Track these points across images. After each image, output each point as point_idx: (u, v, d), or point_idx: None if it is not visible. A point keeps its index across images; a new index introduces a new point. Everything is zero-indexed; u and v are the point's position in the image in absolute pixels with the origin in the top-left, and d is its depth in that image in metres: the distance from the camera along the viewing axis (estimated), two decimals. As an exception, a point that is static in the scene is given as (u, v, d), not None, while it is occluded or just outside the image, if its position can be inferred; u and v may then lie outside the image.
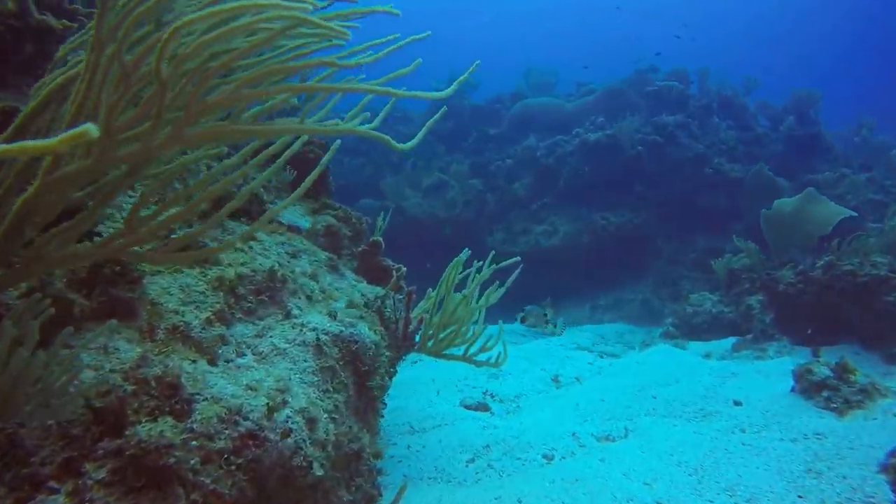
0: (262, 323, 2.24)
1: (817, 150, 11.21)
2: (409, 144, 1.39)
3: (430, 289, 3.42)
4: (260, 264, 2.39)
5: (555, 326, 4.53)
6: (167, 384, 1.65)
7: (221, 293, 2.20)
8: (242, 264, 2.37)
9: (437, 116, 1.65)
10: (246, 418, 1.71)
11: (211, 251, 1.57)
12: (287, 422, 1.80)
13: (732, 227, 9.65)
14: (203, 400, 1.70)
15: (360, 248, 3.88)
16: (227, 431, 1.65)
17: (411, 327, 3.06)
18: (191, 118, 1.16)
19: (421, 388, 4.54)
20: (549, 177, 12.00)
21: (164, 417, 1.57)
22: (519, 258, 3.08)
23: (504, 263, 3.12)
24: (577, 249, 10.55)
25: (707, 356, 5.40)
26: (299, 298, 2.48)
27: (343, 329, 2.28)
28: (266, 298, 2.32)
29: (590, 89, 13.65)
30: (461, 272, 3.14)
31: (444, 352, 2.93)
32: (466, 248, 3.24)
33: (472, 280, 3.11)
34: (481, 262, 3.18)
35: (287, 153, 1.72)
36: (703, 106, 11.63)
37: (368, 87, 1.24)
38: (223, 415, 1.68)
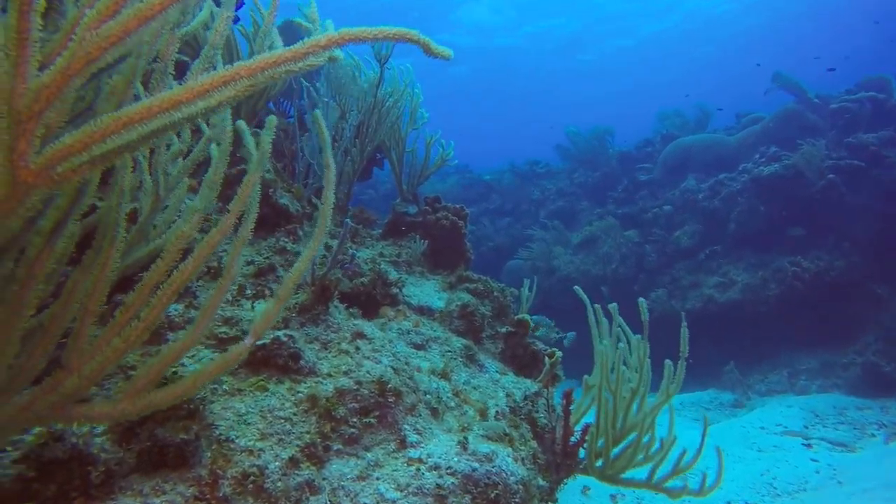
0: (367, 456, 1.66)
1: None
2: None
3: (587, 374, 2.65)
4: (367, 372, 1.84)
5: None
6: (208, 589, 1.10)
7: (314, 417, 1.66)
8: (345, 373, 1.84)
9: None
10: None
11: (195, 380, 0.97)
12: None
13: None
14: None
15: (503, 329, 3.24)
16: None
17: (573, 438, 2.30)
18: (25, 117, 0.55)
19: (591, 499, 3.66)
20: (715, 221, 10.55)
21: None
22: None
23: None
24: (762, 303, 8.92)
25: None
26: (419, 416, 1.87)
27: (477, 466, 1.62)
28: (374, 420, 1.74)
29: (754, 118, 12.05)
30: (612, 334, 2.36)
31: (621, 476, 2.13)
32: (613, 304, 2.44)
33: (634, 361, 2.28)
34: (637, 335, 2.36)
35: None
36: (915, 117, 9.54)
37: None
38: None
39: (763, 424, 5.61)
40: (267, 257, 2.49)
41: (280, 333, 1.83)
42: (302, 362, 1.82)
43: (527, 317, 3.08)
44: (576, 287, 2.53)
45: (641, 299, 2.15)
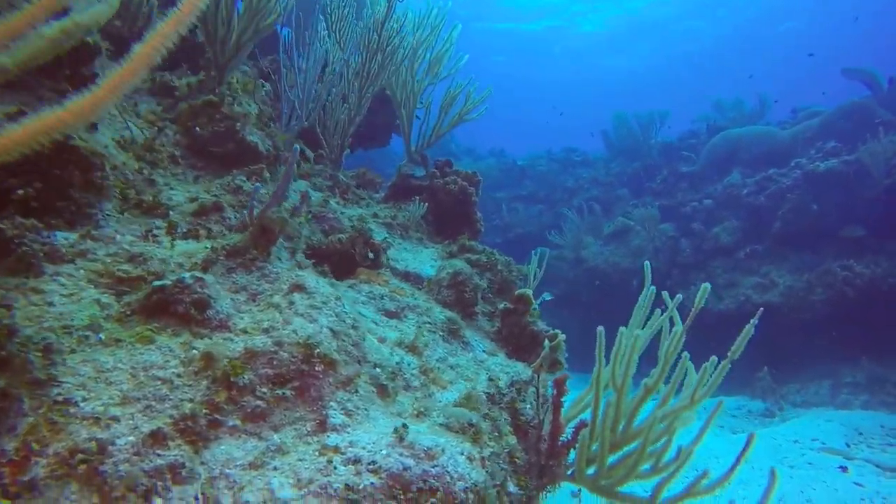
0: (273, 438, 1.25)
1: None
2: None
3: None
4: (294, 331, 1.43)
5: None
6: None
7: (206, 382, 1.27)
8: (265, 331, 1.44)
9: None
10: None
11: None
12: None
13: None
14: None
15: (503, 306, 2.80)
16: None
17: (563, 437, 1.86)
18: None
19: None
20: (759, 218, 9.82)
21: None
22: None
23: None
24: (805, 308, 8.23)
25: None
26: (356, 392, 1.46)
27: (411, 464, 1.19)
28: (291, 393, 1.34)
29: (812, 112, 11.19)
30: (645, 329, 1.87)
31: (617, 490, 1.68)
32: (649, 290, 1.94)
33: (664, 348, 1.79)
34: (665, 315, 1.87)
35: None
36: None
37: None
38: None
39: (797, 438, 5.04)
40: (216, 195, 2.10)
41: (187, 275, 1.44)
42: (210, 312, 1.43)
43: (528, 292, 2.63)
44: (645, 262, 2.03)
45: (705, 284, 1.65)
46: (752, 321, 1.68)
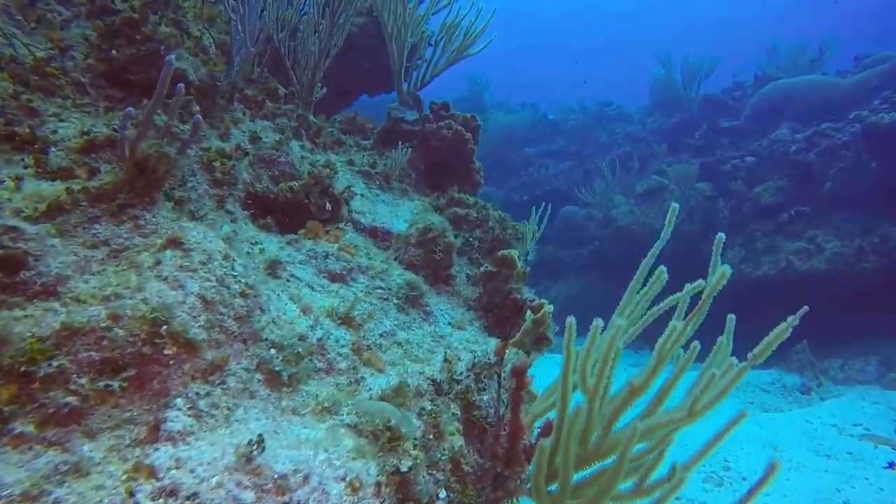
0: (80, 451, 0.90)
1: None
2: None
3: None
4: (143, 300, 1.06)
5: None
6: None
7: (-16, 373, 0.91)
8: (106, 299, 1.07)
9: None
10: None
11: None
12: None
13: None
14: None
15: (482, 269, 2.39)
16: None
17: (526, 441, 1.47)
18: None
19: None
20: (808, 178, 9.02)
21: None
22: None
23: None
24: (855, 276, 7.55)
25: None
26: (221, 383, 1.09)
27: (249, 500, 0.82)
28: (120, 385, 0.98)
29: (881, 57, 10.09)
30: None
31: (585, 516, 1.30)
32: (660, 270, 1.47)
33: (661, 343, 1.28)
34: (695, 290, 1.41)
35: None
36: None
37: None
38: None
39: (836, 421, 4.55)
40: (116, 129, 1.73)
41: (-2, 223, 1.08)
42: (28, 274, 1.07)
43: (512, 253, 2.21)
44: (673, 205, 1.56)
45: (724, 266, 1.20)
46: (790, 320, 1.25)
